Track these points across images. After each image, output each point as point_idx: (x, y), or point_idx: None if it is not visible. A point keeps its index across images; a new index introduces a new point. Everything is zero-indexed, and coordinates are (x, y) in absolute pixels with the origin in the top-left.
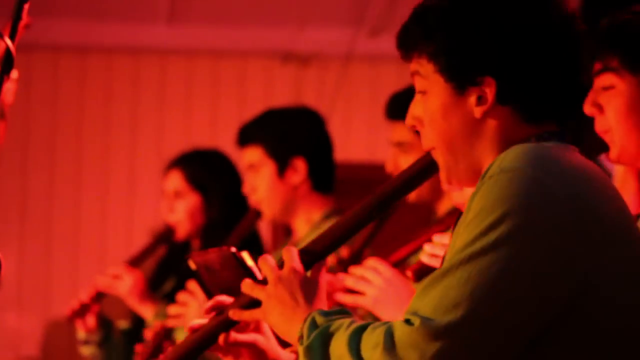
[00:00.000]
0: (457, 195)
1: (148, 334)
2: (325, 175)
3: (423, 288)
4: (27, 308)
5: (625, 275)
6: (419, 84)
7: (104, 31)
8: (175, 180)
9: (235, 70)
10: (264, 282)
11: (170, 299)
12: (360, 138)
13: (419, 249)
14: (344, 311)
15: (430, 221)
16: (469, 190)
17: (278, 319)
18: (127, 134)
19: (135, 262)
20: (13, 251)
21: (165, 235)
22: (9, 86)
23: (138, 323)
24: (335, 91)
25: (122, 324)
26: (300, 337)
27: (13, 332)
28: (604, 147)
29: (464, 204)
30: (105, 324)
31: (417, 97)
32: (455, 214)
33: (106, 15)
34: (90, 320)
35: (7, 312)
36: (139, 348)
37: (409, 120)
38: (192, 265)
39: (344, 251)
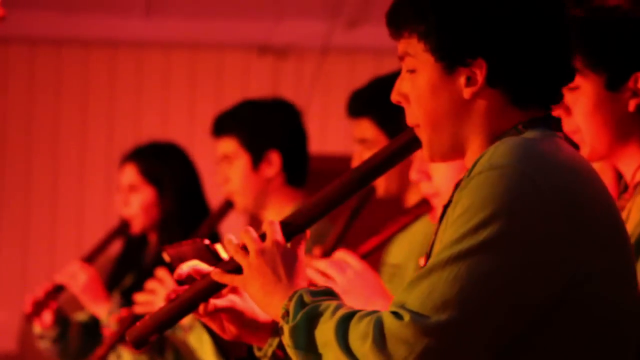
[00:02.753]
0: (426, 186)
1: (113, 321)
2: (299, 170)
3: (410, 282)
4: (4, 302)
5: (614, 270)
6: (407, 63)
7: (80, 24)
8: (130, 174)
9: (213, 63)
10: (245, 250)
11: (130, 293)
12: (338, 130)
13: (386, 241)
14: (329, 292)
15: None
16: (437, 181)
17: (258, 291)
18: (103, 126)
19: (90, 258)
20: None
21: (121, 229)
22: None
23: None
24: (312, 83)
25: (81, 316)
26: (286, 315)
27: None
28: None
29: (433, 195)
30: (62, 320)
31: (405, 75)
32: (423, 205)
33: (83, 8)
34: (47, 316)
35: None
36: (106, 332)
37: (394, 96)
38: (166, 257)
39: (316, 250)
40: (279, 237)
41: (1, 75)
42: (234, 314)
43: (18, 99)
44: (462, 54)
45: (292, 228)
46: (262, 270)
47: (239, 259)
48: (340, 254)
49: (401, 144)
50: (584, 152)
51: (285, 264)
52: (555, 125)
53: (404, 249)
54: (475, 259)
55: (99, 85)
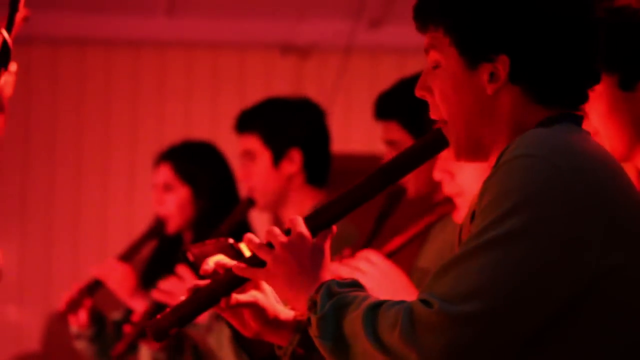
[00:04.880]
0: (449, 185)
1: (136, 315)
2: (320, 169)
3: (439, 270)
4: (28, 301)
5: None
6: (433, 57)
7: (103, 24)
8: (164, 173)
9: (235, 63)
10: (270, 245)
11: None
12: (360, 129)
13: (411, 239)
14: (357, 283)
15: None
16: (461, 180)
17: (284, 284)
18: (127, 126)
19: (126, 256)
20: (14, 244)
21: (157, 228)
22: (8, 79)
23: (130, 314)
24: (335, 83)
25: (115, 315)
26: (314, 305)
27: (14, 326)
28: None
29: (456, 194)
30: (98, 318)
31: (429, 69)
32: (447, 203)
33: (105, 8)
34: (82, 315)
35: (8, 306)
36: (127, 328)
37: (418, 90)
38: (190, 257)
39: (346, 251)
40: (304, 230)
41: (24, 76)
42: (256, 310)
43: (41, 100)
44: (486, 49)
45: (315, 224)
46: (288, 263)
47: (263, 253)
48: (365, 254)
49: (427, 143)
50: None
51: (312, 256)
52: (581, 122)
53: (434, 253)
54: (502, 248)
55: (122, 85)
